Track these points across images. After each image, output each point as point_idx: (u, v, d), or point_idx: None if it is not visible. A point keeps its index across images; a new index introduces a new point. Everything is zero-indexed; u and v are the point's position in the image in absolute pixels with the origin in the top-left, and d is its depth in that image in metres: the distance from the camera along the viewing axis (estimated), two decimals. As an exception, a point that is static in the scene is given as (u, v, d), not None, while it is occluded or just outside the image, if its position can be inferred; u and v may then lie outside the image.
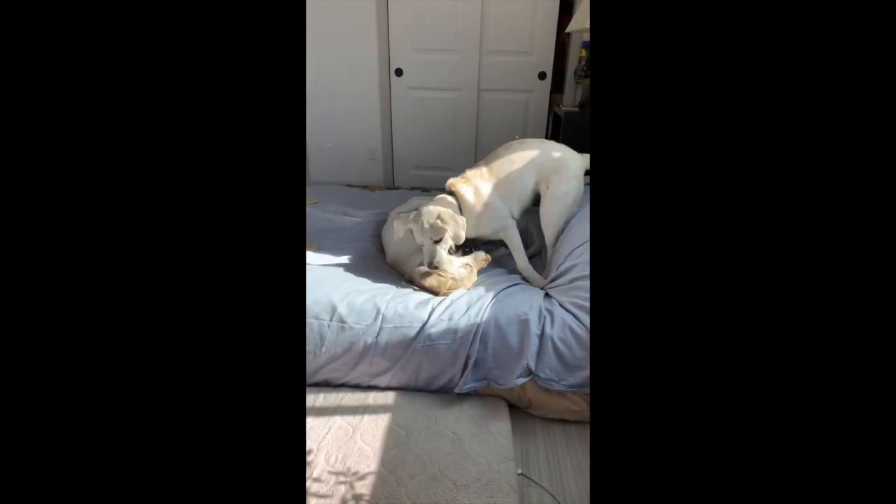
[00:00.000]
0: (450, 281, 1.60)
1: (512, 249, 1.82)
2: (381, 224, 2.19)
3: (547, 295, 1.69)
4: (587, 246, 1.65)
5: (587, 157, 1.89)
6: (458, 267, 1.66)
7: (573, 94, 2.90)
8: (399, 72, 3.24)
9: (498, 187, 1.80)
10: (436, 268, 1.61)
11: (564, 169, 1.81)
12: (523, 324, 1.42)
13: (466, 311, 1.49)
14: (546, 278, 1.76)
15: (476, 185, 1.78)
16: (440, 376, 1.42)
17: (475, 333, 1.42)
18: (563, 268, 1.69)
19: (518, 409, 1.44)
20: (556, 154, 1.84)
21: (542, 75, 3.18)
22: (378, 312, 1.48)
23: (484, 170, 1.83)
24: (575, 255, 1.66)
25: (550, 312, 1.48)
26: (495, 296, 1.60)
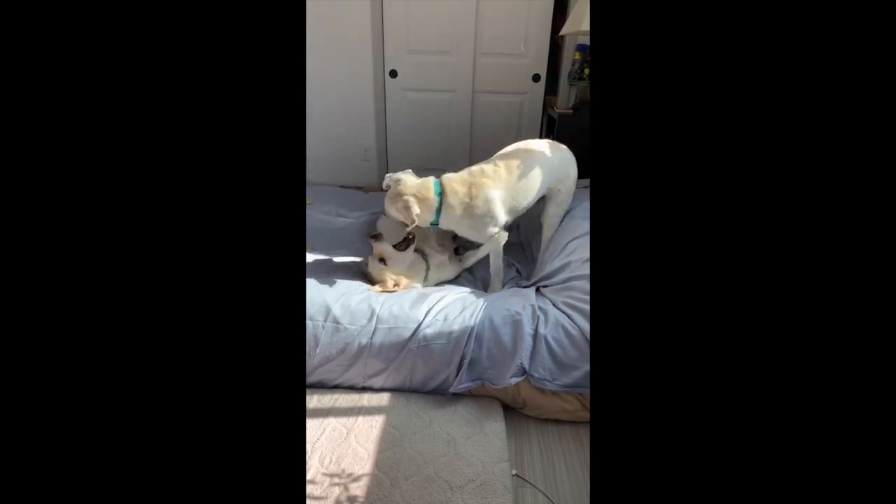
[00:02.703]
0: (386, 275, 1.69)
1: (495, 254, 1.77)
2: (374, 225, 2.20)
3: (539, 292, 1.70)
4: (580, 241, 1.67)
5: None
6: (399, 265, 1.71)
7: (567, 97, 2.92)
8: (394, 73, 3.24)
9: (508, 196, 1.69)
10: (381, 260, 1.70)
11: (573, 174, 1.89)
12: (517, 324, 1.43)
13: (461, 312, 1.49)
14: (537, 274, 1.80)
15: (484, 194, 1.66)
16: (435, 377, 1.42)
17: (470, 334, 1.42)
18: (556, 264, 1.70)
19: (512, 410, 1.44)
20: (564, 157, 1.87)
21: (536, 77, 3.20)
22: (373, 313, 1.47)
23: (500, 173, 1.70)
24: (568, 251, 1.67)
25: (544, 312, 1.49)
26: (489, 297, 1.60)
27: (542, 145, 1.83)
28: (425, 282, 1.77)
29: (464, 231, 1.71)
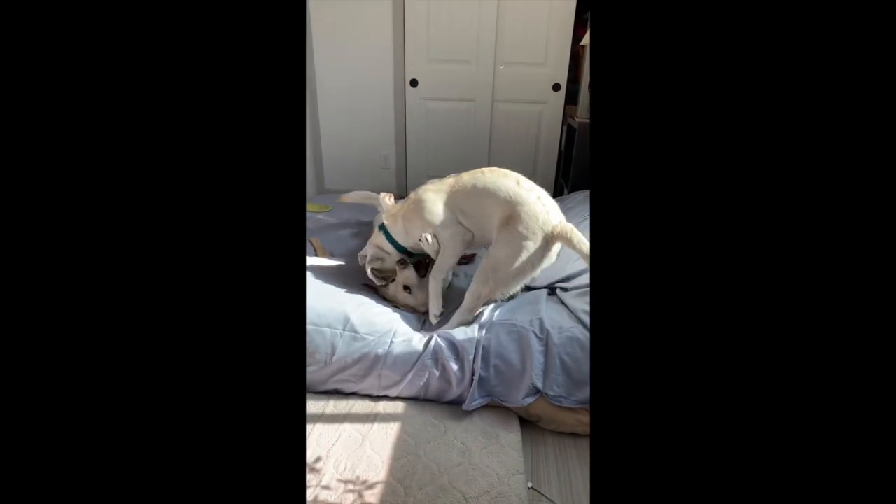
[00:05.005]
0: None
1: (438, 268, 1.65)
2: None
3: (553, 292, 1.66)
4: None
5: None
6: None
7: (587, 106, 2.90)
8: (414, 82, 3.28)
9: (448, 199, 1.64)
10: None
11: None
12: (523, 340, 1.41)
13: (470, 325, 1.49)
14: (553, 274, 1.72)
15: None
16: (448, 391, 1.41)
17: (476, 349, 1.41)
18: (579, 266, 1.67)
19: (528, 421, 1.42)
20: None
21: (556, 87, 3.19)
22: (392, 326, 1.48)
23: (445, 181, 1.67)
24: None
25: (556, 325, 1.47)
26: (497, 309, 1.59)
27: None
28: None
29: (415, 236, 1.65)
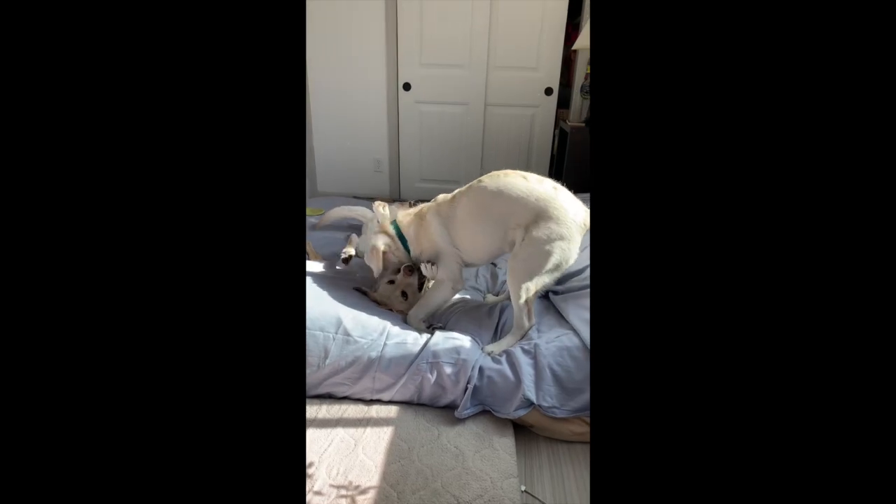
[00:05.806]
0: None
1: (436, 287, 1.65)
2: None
3: (545, 295, 1.66)
4: None
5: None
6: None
7: (579, 110, 2.92)
8: (407, 86, 3.28)
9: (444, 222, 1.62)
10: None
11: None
12: (511, 355, 1.41)
13: (466, 332, 1.48)
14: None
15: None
16: (442, 396, 1.40)
17: (478, 359, 1.41)
18: (573, 268, 1.66)
19: (522, 426, 1.42)
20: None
21: (548, 91, 3.21)
22: (384, 327, 1.47)
23: (446, 198, 1.64)
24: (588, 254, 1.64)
25: (546, 335, 1.47)
26: (500, 319, 1.59)
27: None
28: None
29: (428, 251, 1.66)
